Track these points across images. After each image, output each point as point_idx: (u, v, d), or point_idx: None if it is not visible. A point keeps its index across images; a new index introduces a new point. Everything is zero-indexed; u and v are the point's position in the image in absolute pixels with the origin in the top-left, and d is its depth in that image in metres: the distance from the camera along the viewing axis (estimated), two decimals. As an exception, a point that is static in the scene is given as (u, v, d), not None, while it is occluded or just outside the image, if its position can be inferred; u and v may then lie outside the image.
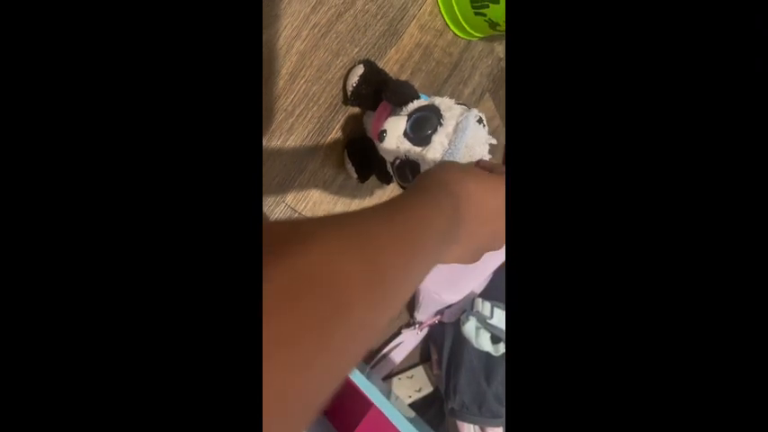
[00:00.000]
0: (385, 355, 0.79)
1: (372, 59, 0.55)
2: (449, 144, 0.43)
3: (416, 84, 0.60)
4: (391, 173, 0.52)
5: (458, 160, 0.42)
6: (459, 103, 0.45)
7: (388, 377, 0.81)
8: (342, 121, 0.56)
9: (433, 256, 0.23)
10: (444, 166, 0.29)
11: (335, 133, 0.56)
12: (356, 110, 0.56)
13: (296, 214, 0.58)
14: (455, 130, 0.43)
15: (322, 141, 0.56)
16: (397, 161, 0.47)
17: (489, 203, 0.27)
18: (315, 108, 0.53)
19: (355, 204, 0.64)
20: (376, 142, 0.55)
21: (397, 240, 0.19)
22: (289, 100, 0.51)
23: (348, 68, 0.54)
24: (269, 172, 0.53)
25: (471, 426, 0.71)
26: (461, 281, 0.72)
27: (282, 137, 0.52)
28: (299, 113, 0.52)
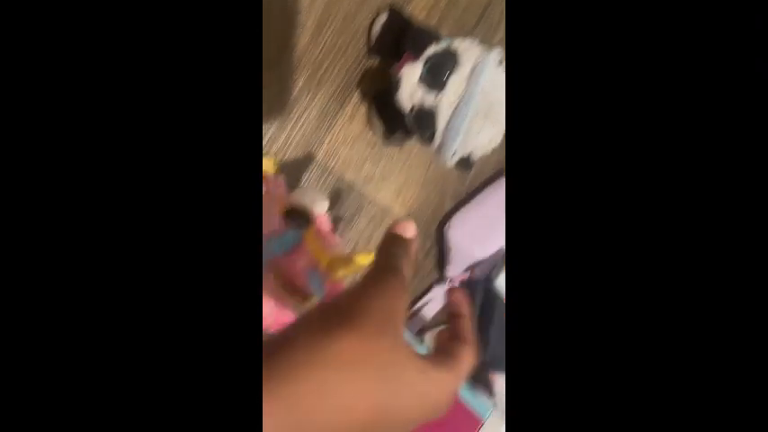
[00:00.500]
0: (416, 312, 0.80)
1: (398, 7, 0.53)
2: (464, 89, 0.41)
3: (444, 32, 0.58)
4: (409, 125, 0.51)
5: (473, 107, 0.40)
6: (480, 45, 0.43)
7: (420, 332, 0.82)
8: (369, 72, 0.55)
9: None
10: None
11: (363, 86, 0.55)
12: (383, 60, 0.55)
13: (327, 174, 0.58)
14: (472, 73, 0.41)
15: (350, 95, 0.55)
16: (414, 110, 0.46)
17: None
18: (342, 60, 0.52)
19: (384, 162, 0.63)
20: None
21: None
22: (316, 53, 0.50)
23: (373, 17, 0.52)
24: (298, 131, 0.53)
25: (503, 375, 0.72)
26: (492, 235, 0.72)
27: (311, 92, 0.52)
28: (326, 66, 0.51)
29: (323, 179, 0.59)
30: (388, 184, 0.66)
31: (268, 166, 0.48)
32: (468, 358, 0.21)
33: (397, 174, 0.67)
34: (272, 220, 0.37)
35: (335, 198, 0.61)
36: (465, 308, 0.24)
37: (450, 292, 0.26)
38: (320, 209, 0.41)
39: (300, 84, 0.50)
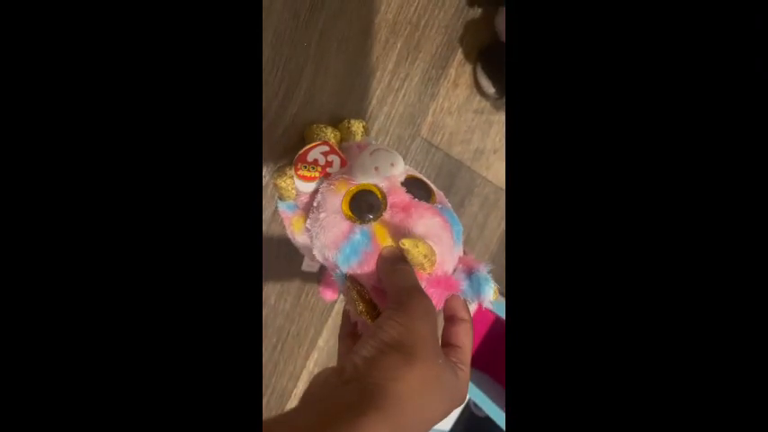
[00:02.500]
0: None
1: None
2: None
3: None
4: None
5: None
6: None
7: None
8: (471, 26, 0.48)
9: None
10: (379, 359, 0.22)
11: (465, 44, 0.49)
12: (487, 8, 0.49)
13: (433, 149, 0.52)
14: None
15: (452, 56, 0.49)
16: None
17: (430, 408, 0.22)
18: (440, 15, 0.46)
19: (493, 132, 0.56)
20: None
21: None
22: (412, 9, 0.45)
23: (470, -38, 0.46)
24: (400, 102, 0.47)
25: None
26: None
27: (410, 56, 0.46)
28: (424, 24, 0.46)
29: (429, 156, 0.52)
30: (500, 158, 0.58)
31: (357, 129, 0.42)
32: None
33: (509, 145, 0.59)
34: (335, 227, 0.29)
35: (445, 177, 0.54)
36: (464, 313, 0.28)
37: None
38: (393, 171, 0.31)
39: (399, 46, 0.45)
